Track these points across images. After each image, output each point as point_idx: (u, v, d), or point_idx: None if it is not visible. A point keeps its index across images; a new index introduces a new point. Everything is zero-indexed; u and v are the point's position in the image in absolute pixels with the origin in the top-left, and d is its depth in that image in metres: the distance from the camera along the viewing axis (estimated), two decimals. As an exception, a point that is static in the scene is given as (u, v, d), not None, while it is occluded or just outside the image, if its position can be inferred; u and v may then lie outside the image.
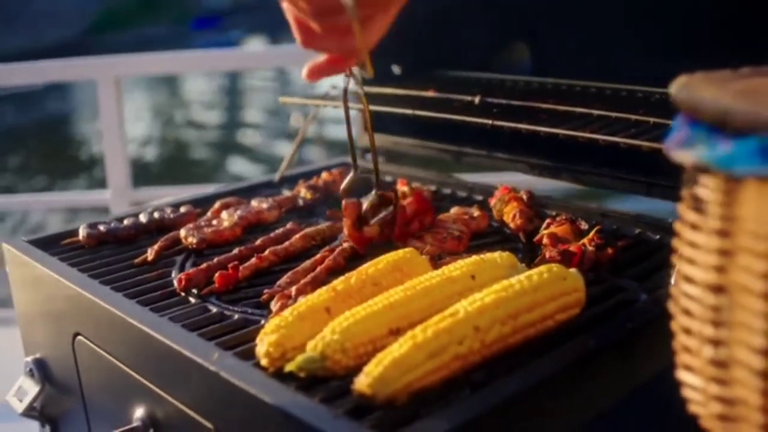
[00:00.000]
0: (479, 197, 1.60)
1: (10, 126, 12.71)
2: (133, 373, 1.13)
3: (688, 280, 0.72)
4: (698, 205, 0.69)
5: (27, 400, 1.43)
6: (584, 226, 1.30)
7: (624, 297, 1.11)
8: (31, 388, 1.43)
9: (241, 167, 10.75)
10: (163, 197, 2.09)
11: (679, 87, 0.69)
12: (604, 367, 0.97)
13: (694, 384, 0.73)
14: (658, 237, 1.31)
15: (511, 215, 1.39)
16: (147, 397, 1.11)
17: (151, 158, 11.36)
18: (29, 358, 1.44)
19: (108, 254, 1.41)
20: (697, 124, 0.66)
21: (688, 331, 0.73)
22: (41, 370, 1.42)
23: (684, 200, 0.72)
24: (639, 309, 1.06)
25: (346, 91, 1.24)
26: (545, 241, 1.25)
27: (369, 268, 1.08)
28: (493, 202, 1.45)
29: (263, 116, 13.42)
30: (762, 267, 0.63)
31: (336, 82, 1.91)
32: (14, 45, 15.83)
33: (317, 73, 1.05)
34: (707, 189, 0.67)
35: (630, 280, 1.16)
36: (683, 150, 0.66)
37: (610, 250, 1.21)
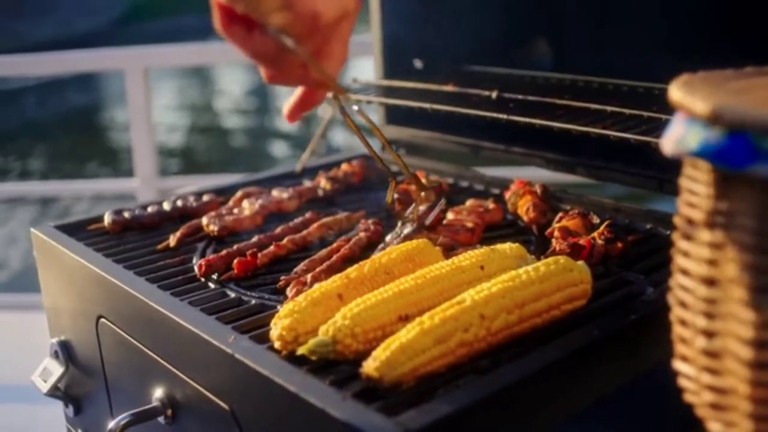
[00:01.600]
0: (496, 191, 1.63)
1: (32, 118, 12.78)
2: (153, 355, 1.17)
3: (684, 272, 0.74)
4: (692, 199, 0.72)
5: (51, 380, 1.48)
6: (596, 220, 1.32)
7: (630, 290, 1.13)
8: (56, 369, 1.48)
9: (279, 151, 10.83)
10: (189, 186, 2.12)
11: (677, 85, 0.72)
12: (607, 356, 0.99)
13: (689, 373, 0.76)
14: (668, 232, 1.33)
15: (524, 208, 1.41)
16: (166, 379, 1.16)
17: (193, 146, 11.45)
18: (54, 340, 1.49)
19: (132, 240, 1.46)
20: (691, 121, 0.68)
21: (683, 322, 0.76)
22: (65, 351, 1.47)
23: (680, 194, 0.75)
24: (643, 301, 1.08)
25: (343, 109, 1.18)
26: (556, 234, 1.27)
27: (382, 257, 1.11)
28: (508, 195, 1.48)
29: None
30: (751, 260, 0.66)
31: (357, 74, 1.95)
32: (44, 34, 16.00)
33: (295, 113, 1.01)
34: (700, 184, 0.70)
35: (638, 273, 1.18)
36: (677, 146, 0.68)
37: (619, 244, 1.23)
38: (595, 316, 1.04)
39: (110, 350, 1.32)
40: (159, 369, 1.16)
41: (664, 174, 1.41)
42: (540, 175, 1.91)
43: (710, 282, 0.70)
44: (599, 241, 1.22)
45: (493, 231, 1.41)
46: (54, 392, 1.48)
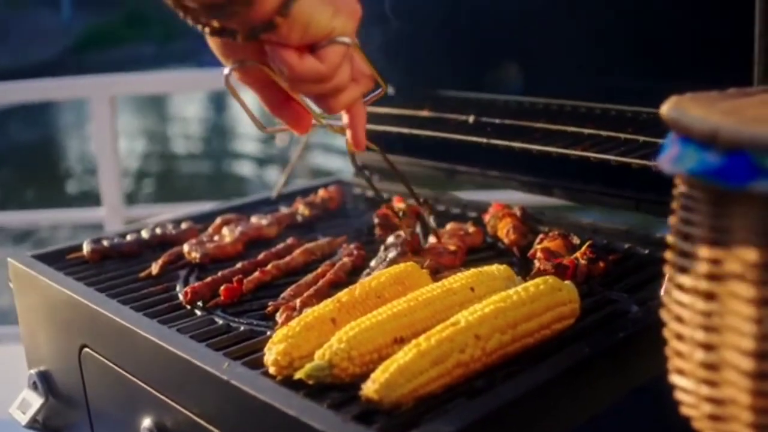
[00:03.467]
0: (473, 214, 1.64)
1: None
2: (141, 384, 1.16)
3: (680, 288, 0.76)
4: (689, 217, 0.74)
5: (30, 412, 1.45)
6: (576, 240, 1.34)
7: (615, 308, 1.15)
8: (35, 401, 1.46)
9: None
10: (156, 215, 2.12)
11: (670, 107, 0.74)
12: (598, 374, 1.01)
13: (686, 387, 0.77)
14: (647, 251, 1.36)
15: (504, 231, 1.43)
16: (155, 407, 1.15)
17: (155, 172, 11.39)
18: (33, 371, 1.47)
19: (112, 269, 1.45)
20: (687, 141, 0.71)
21: (680, 337, 0.77)
22: (45, 382, 1.45)
23: (675, 213, 0.77)
24: (630, 319, 1.10)
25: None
26: (539, 255, 1.29)
27: (372, 281, 1.12)
28: (487, 218, 1.50)
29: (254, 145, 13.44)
30: (752, 274, 0.68)
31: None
32: (-5, 64, 15.73)
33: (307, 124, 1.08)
34: (698, 202, 0.72)
35: (620, 292, 1.21)
36: (675, 165, 0.71)
37: (601, 264, 1.25)
38: (584, 334, 1.06)
39: (94, 380, 1.30)
40: (147, 398, 1.15)
41: (641, 194, 1.44)
42: (514, 197, 1.93)
43: (709, 296, 0.72)
44: (582, 261, 1.24)
45: (475, 254, 1.43)
46: (33, 424, 1.45)
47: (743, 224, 0.68)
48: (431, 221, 1.36)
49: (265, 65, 0.97)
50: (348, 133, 1.10)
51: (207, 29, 0.92)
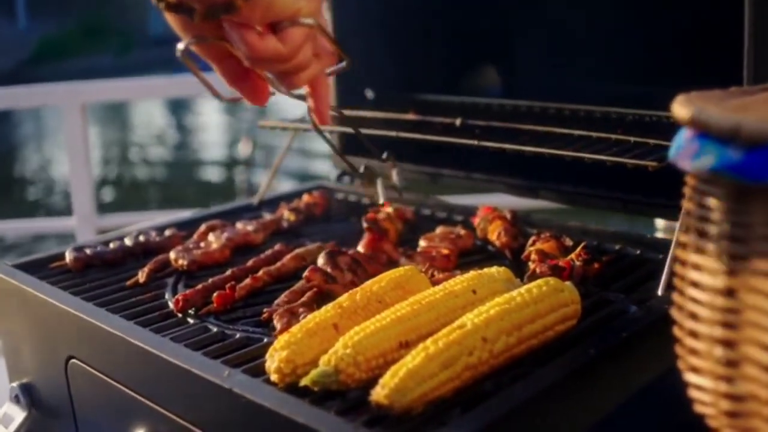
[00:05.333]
0: (459, 217, 1.64)
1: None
2: (133, 395, 1.13)
3: (696, 285, 0.76)
4: (706, 214, 0.74)
5: (13, 426, 1.42)
6: (569, 242, 1.34)
7: (613, 309, 1.15)
8: (17, 414, 1.42)
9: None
10: (129, 224, 2.08)
11: (686, 105, 0.74)
12: (604, 373, 1.01)
13: (702, 384, 0.77)
14: (638, 252, 1.36)
15: (495, 233, 1.43)
16: (147, 418, 1.12)
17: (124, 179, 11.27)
18: (15, 384, 1.43)
19: (97, 277, 1.42)
20: (706, 137, 0.70)
21: (694, 334, 0.77)
22: (28, 395, 1.41)
23: (689, 211, 0.77)
24: (631, 319, 1.11)
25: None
26: (533, 257, 1.29)
27: (373, 285, 1.11)
28: (477, 221, 1.49)
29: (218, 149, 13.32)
30: (771, 269, 0.68)
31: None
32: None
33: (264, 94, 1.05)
34: (715, 198, 0.72)
35: (616, 292, 1.21)
36: (695, 162, 0.70)
37: (596, 265, 1.25)
38: (587, 335, 1.05)
39: (82, 391, 1.27)
40: (140, 408, 1.12)
41: (628, 195, 1.45)
42: (498, 200, 1.93)
43: (728, 292, 0.72)
44: (577, 263, 1.24)
45: (466, 257, 1.43)
46: (16, 439, 1.42)
47: (764, 219, 0.68)
48: (396, 180, 1.34)
49: (224, 41, 0.94)
50: (311, 103, 1.06)
51: (162, 4, 0.89)
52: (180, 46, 0.94)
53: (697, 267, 0.76)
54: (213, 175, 11.48)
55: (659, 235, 2.03)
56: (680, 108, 0.75)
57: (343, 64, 1.07)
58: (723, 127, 0.68)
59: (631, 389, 1.02)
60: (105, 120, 15.12)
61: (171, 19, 0.94)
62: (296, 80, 0.99)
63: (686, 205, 0.77)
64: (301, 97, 1.08)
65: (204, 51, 0.97)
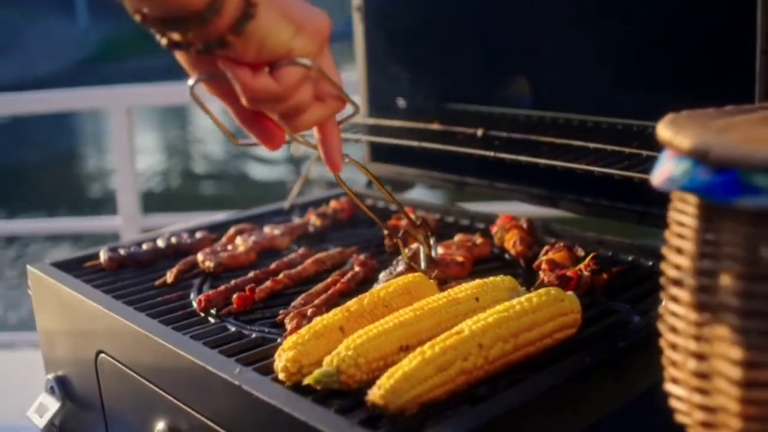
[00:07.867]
0: (481, 225, 1.68)
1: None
2: (155, 389, 1.20)
3: (674, 299, 0.79)
4: (681, 230, 0.77)
5: (47, 416, 1.49)
6: (580, 252, 1.37)
7: (617, 319, 1.18)
8: (52, 405, 1.50)
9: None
10: (171, 224, 2.16)
11: (664, 125, 0.77)
12: (599, 382, 1.04)
13: (680, 395, 0.80)
14: (650, 263, 1.38)
15: (511, 242, 1.46)
16: (168, 411, 1.18)
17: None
18: (50, 376, 1.51)
19: (128, 277, 1.49)
20: (680, 158, 0.74)
21: (674, 347, 0.80)
22: (62, 387, 1.49)
23: (669, 227, 0.80)
24: (631, 329, 1.13)
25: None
26: (543, 266, 1.32)
27: (381, 291, 1.15)
28: (494, 229, 1.53)
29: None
30: (740, 286, 0.71)
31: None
32: (4, 76, 15.74)
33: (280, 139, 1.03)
34: (689, 216, 0.75)
35: (623, 303, 1.24)
36: (668, 181, 0.74)
37: (604, 275, 1.28)
38: (586, 344, 1.09)
39: (110, 385, 1.34)
40: (161, 402, 1.19)
41: (646, 207, 1.47)
42: (521, 209, 1.96)
43: (700, 308, 0.75)
44: (585, 273, 1.27)
45: (482, 264, 1.46)
46: (50, 428, 1.49)
47: (731, 239, 0.71)
48: (431, 242, 1.36)
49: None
50: (321, 151, 1.06)
51: (164, 40, 0.90)
52: (189, 82, 0.95)
53: (675, 282, 0.79)
54: (270, 173, 11.57)
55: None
56: (661, 128, 0.78)
57: (354, 112, 1.05)
58: (694, 149, 0.71)
59: (627, 398, 1.05)
60: (166, 117, 15.35)
61: (180, 57, 0.95)
62: (298, 123, 0.97)
63: (669, 221, 0.81)
64: (316, 147, 1.06)
65: (215, 90, 0.96)
